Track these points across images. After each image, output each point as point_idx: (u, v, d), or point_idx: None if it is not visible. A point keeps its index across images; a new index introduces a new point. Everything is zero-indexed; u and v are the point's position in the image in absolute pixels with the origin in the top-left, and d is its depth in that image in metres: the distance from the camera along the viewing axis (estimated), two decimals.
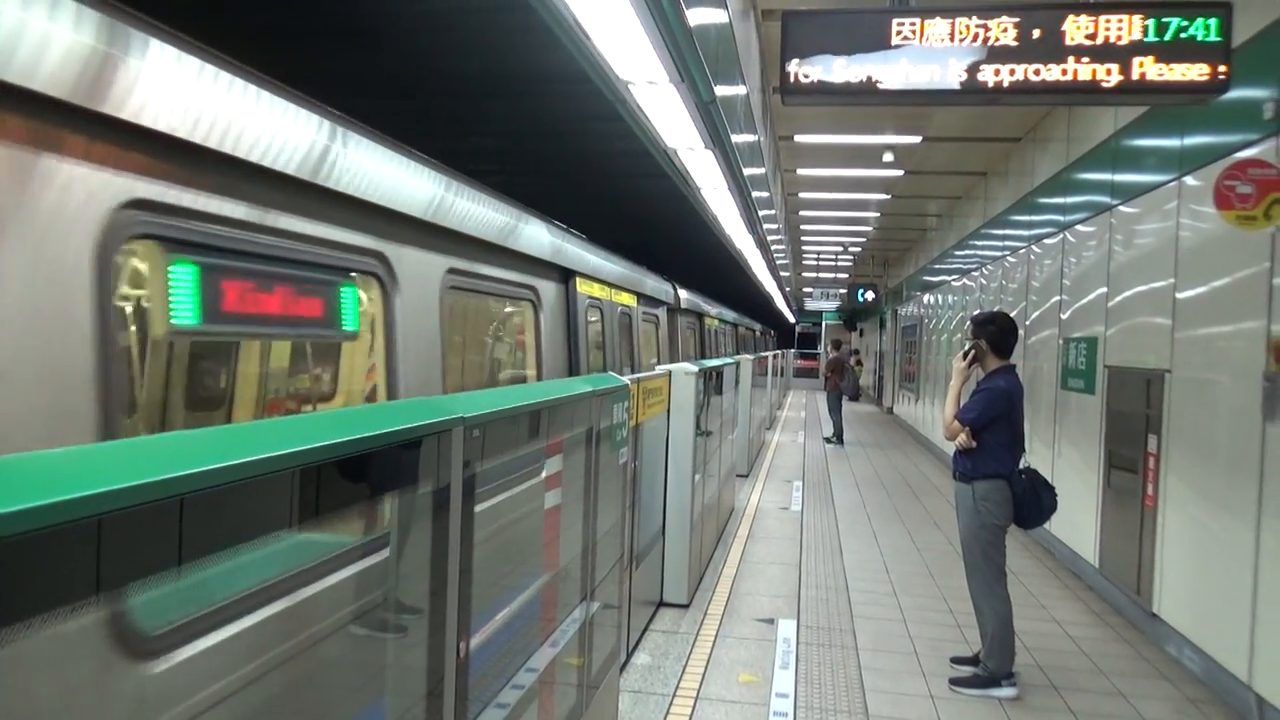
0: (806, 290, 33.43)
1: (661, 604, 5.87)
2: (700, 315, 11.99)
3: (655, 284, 8.48)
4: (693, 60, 4.13)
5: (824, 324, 38.72)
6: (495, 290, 4.25)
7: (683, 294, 10.05)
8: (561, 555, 3.17)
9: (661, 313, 8.80)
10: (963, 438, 4.74)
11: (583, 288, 5.52)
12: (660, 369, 5.90)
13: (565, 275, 5.22)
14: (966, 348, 4.93)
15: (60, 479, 0.94)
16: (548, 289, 4.92)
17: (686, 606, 5.89)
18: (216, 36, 2.59)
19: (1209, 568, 4.98)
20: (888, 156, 10.86)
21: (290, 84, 2.54)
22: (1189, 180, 5.39)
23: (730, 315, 17.30)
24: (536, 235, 4.65)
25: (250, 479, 1.21)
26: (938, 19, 3.84)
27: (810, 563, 7.21)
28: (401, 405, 1.96)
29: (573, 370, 5.28)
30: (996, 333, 4.87)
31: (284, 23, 4.55)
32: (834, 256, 23.85)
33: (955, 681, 4.75)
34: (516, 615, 2.66)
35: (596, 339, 6.06)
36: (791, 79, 3.89)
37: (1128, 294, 6.33)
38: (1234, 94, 3.85)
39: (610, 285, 6.30)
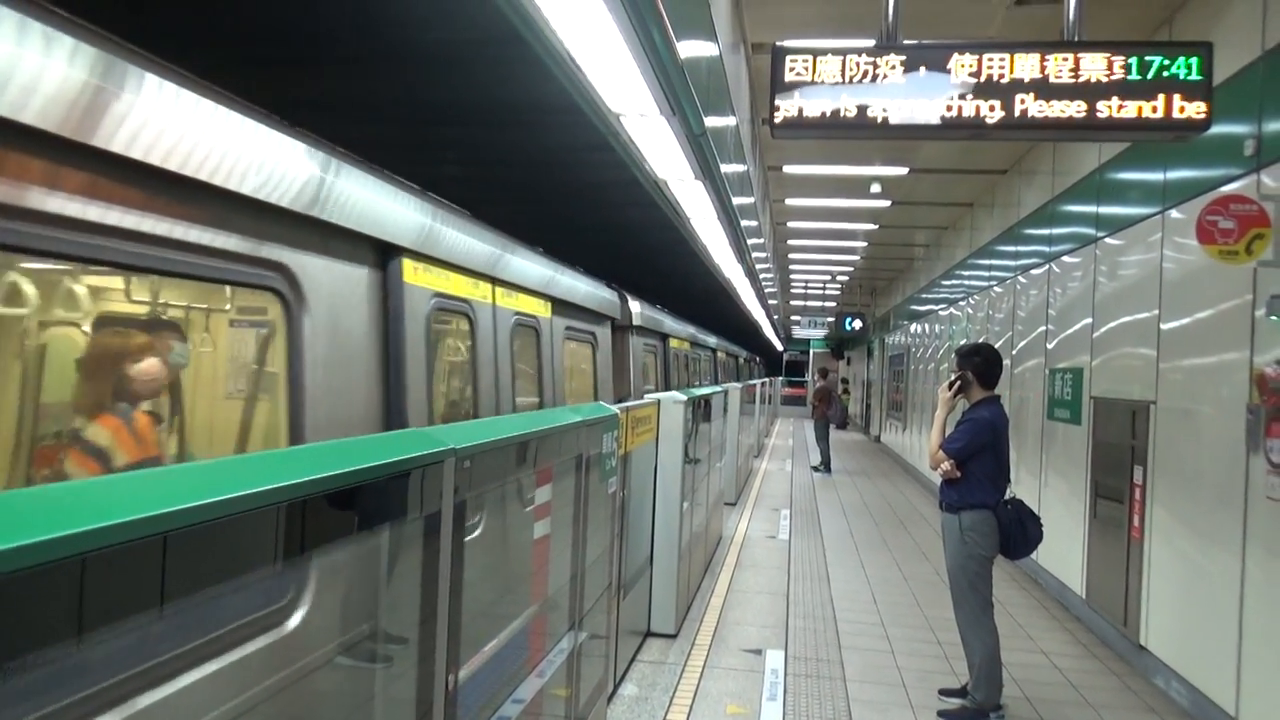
0: (794, 318, 33.55)
1: (649, 634, 5.84)
2: (663, 336, 9.57)
3: (589, 289, 5.98)
4: (684, 93, 4.18)
5: (811, 352, 38.81)
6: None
7: (635, 307, 7.58)
8: (550, 585, 3.16)
9: (601, 331, 6.44)
10: (946, 466, 4.77)
11: (419, 276, 3.25)
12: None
13: (382, 253, 3.00)
14: (952, 378, 4.97)
15: (32, 517, 0.93)
16: (316, 271, 2.58)
17: (674, 636, 5.86)
18: (211, 68, 2.61)
19: (1195, 600, 4.99)
20: (875, 187, 10.96)
21: (278, 110, 2.54)
22: (1172, 214, 5.46)
23: (709, 339, 14.95)
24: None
25: (235, 515, 1.21)
26: (926, 54, 3.90)
27: (798, 592, 7.19)
28: (390, 438, 1.96)
29: (391, 418, 2.99)
30: (982, 364, 4.91)
31: (278, 49, 4.59)
32: (822, 285, 23.96)
33: (944, 714, 4.74)
34: (505, 646, 2.64)
35: (454, 360, 4.08)
36: (781, 113, 3.93)
37: (1113, 325, 6.39)
38: (1215, 131, 3.91)
39: (494, 281, 4.09)
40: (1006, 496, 4.82)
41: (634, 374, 7.80)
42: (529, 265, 4.59)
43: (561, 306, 5.32)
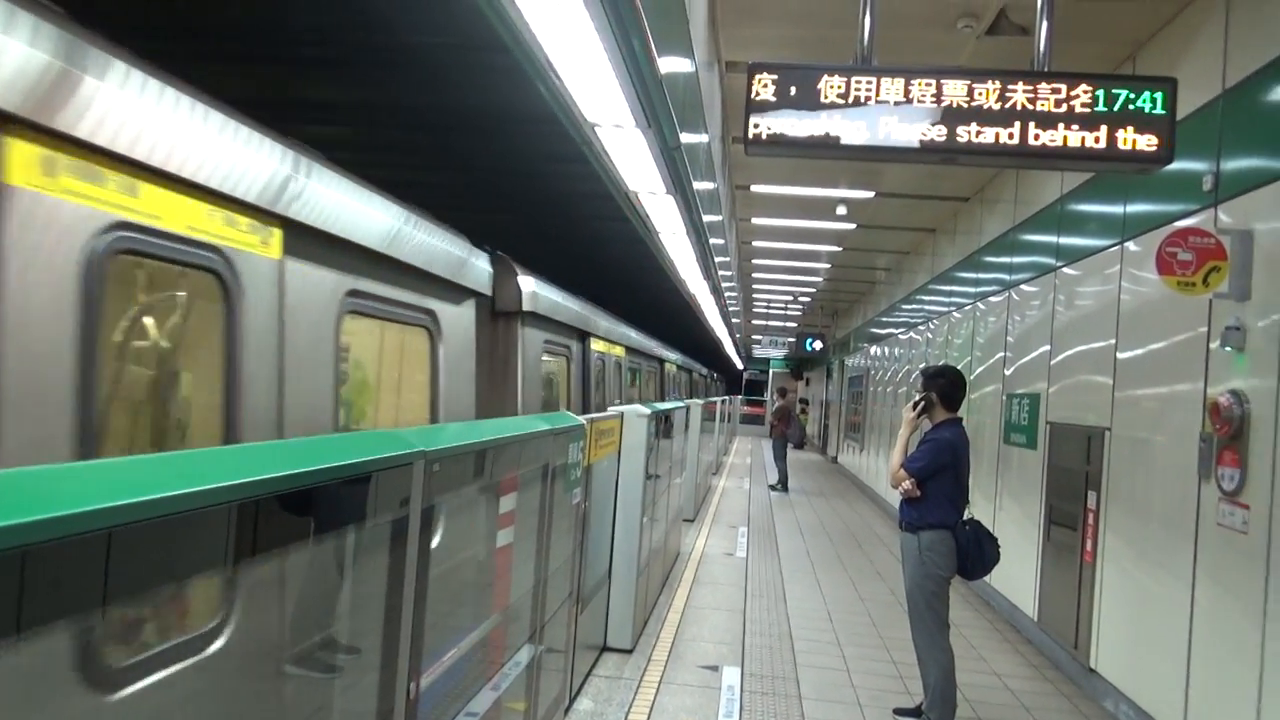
0: (755, 338, 33.76)
1: (605, 648, 5.79)
2: (581, 335, 7.16)
3: (413, 233, 3.65)
4: (660, 106, 4.19)
5: (771, 371, 39.07)
6: None
7: (529, 284, 5.35)
8: (511, 595, 3.12)
9: (453, 312, 4.19)
10: (907, 485, 4.81)
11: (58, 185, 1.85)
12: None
13: None
14: (916, 399, 5.02)
15: None
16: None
17: (630, 651, 5.82)
18: (192, 60, 2.56)
19: (1145, 624, 5.07)
20: (841, 209, 11.07)
21: (257, 110, 2.50)
22: (1131, 245, 5.58)
23: (658, 349, 12.70)
24: None
25: (193, 511, 1.16)
26: (898, 79, 3.94)
27: (755, 610, 7.19)
28: (360, 438, 1.92)
29: None
30: (946, 385, 4.98)
31: (253, 46, 4.52)
32: (784, 305, 24.15)
33: None
34: (464, 656, 2.60)
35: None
36: (754, 131, 3.95)
37: (1070, 353, 6.51)
38: (1175, 165, 4.00)
39: (236, 206, 2.45)
40: (965, 517, 4.87)
41: (523, 385, 5.29)
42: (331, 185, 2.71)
43: (324, 243, 2.90)
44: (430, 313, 3.90)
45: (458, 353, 4.22)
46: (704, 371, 26.39)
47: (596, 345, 7.69)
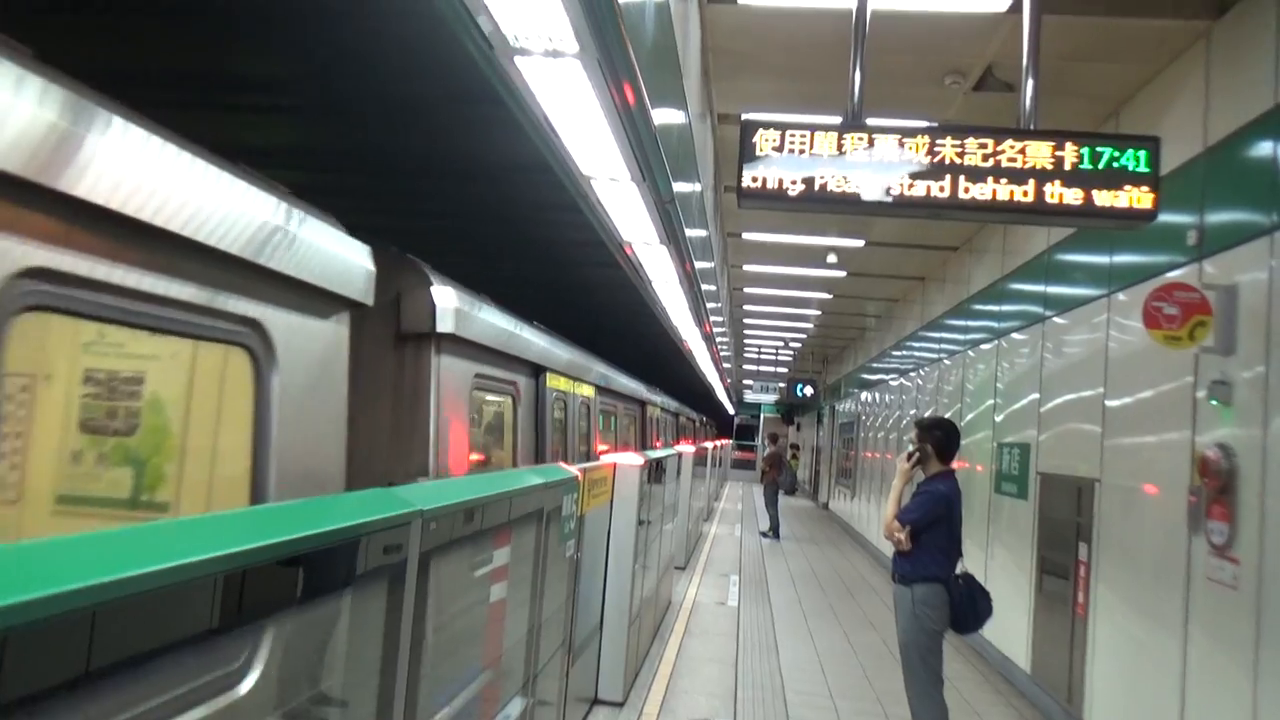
0: (747, 383, 33.80)
1: (596, 701, 5.72)
2: (534, 370, 5.73)
3: (250, 209, 2.39)
4: (655, 160, 4.25)
5: (762, 416, 39.06)
6: None
7: (447, 299, 3.96)
8: (503, 650, 3.09)
9: (321, 327, 2.89)
10: (901, 537, 4.80)
11: None
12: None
13: None
14: (911, 449, 5.03)
15: None
16: None
17: (621, 705, 5.74)
18: (179, 109, 2.60)
19: (1138, 678, 5.05)
20: (831, 258, 11.18)
21: (246, 156, 2.53)
22: (1119, 296, 5.65)
23: (635, 389, 11.07)
24: None
25: (189, 581, 1.16)
26: (889, 136, 4.02)
27: (747, 661, 7.12)
28: (358, 498, 1.92)
29: None
30: (942, 437, 5.00)
31: (247, 95, 4.59)
32: (775, 351, 24.24)
33: None
34: (457, 713, 2.57)
35: None
36: (748, 184, 4.01)
37: (1059, 402, 6.55)
38: (1160, 220, 4.07)
39: None
40: (958, 571, 4.86)
41: (438, 432, 3.88)
42: None
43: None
44: (252, 324, 2.44)
45: (308, 386, 2.74)
46: (693, 415, 25.43)
47: (556, 382, 6.20)
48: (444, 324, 3.90)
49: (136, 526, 1.32)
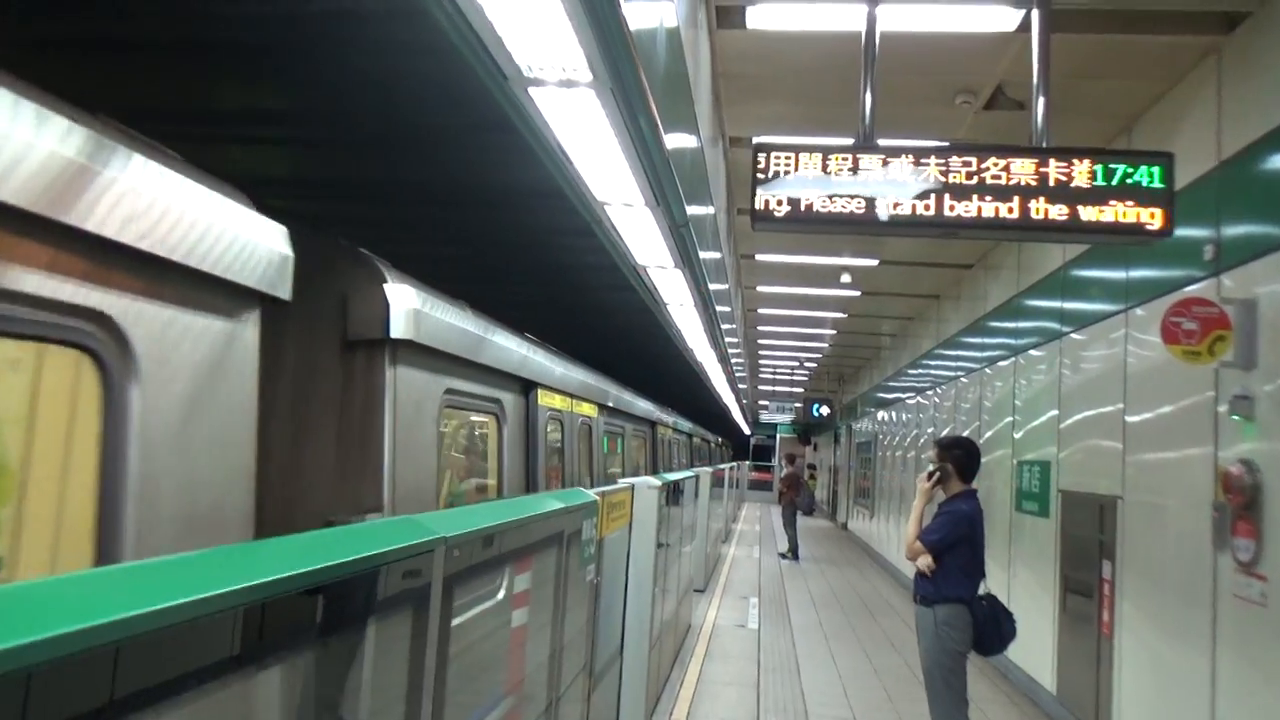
0: (762, 403, 33.74)
1: None
2: (524, 385, 5.13)
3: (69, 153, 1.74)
4: (669, 185, 4.29)
5: (778, 437, 38.95)
6: None
7: (406, 297, 3.27)
8: (525, 678, 3.09)
9: (208, 326, 2.26)
10: (924, 559, 4.76)
11: None
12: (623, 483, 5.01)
13: None
14: (931, 468, 5.01)
15: None
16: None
17: None
18: (195, 143, 2.64)
19: (1167, 698, 4.98)
20: (845, 277, 11.19)
21: (264, 186, 2.57)
22: (1136, 312, 5.62)
23: (644, 408, 10.25)
24: None
25: (206, 616, 1.17)
26: (902, 156, 4.04)
27: (768, 684, 7.07)
28: (382, 526, 1.93)
29: None
30: (963, 456, 4.97)
31: (266, 128, 4.66)
32: (790, 371, 24.20)
33: None
34: None
35: None
36: (762, 208, 4.03)
37: (1079, 419, 6.51)
38: (1176, 235, 4.07)
39: None
40: (981, 592, 4.82)
41: (396, 455, 3.23)
42: None
43: None
44: (99, 319, 1.89)
45: (187, 401, 2.19)
46: (707, 436, 24.49)
47: (550, 400, 5.49)
48: (400, 328, 3.20)
49: (160, 561, 1.34)
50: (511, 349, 4.70)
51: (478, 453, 4.75)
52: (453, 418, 4.17)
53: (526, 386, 5.10)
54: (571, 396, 6.18)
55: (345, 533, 1.84)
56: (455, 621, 2.10)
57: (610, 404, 7.80)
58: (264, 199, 2.51)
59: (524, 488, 5.06)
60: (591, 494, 3.77)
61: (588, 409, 6.84)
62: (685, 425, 16.22)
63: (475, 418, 4.59)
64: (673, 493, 7.03)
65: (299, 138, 4.75)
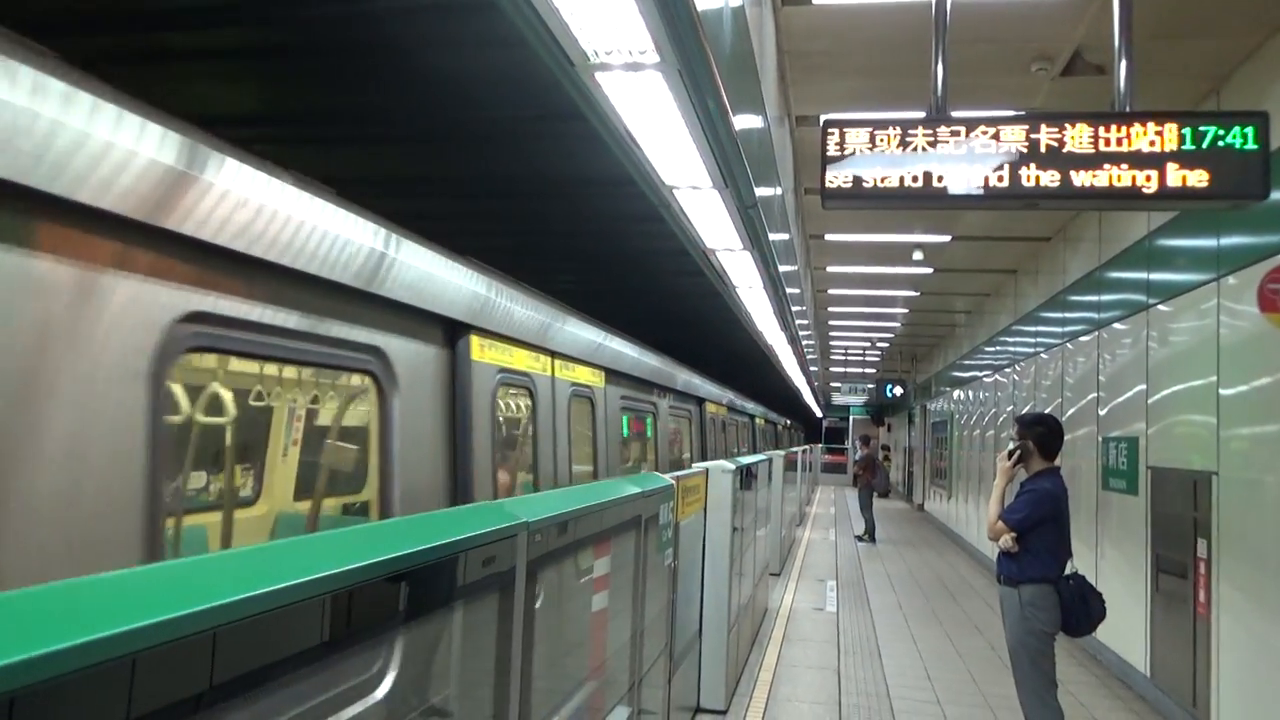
0: (834, 385, 33.37)
1: (699, 709, 5.71)
2: (451, 330, 3.28)
3: None
4: (737, 167, 4.25)
5: (851, 419, 38.47)
6: None
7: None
8: (607, 660, 3.12)
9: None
10: (1006, 539, 4.66)
11: None
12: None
13: None
14: (1012, 447, 4.88)
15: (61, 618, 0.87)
16: None
17: (724, 713, 5.72)
18: (270, 144, 2.71)
19: (1270, 679, 4.79)
20: (917, 255, 10.97)
21: (350, 186, 2.63)
22: (1228, 280, 5.39)
23: (685, 379, 8.55)
24: None
25: (308, 599, 1.20)
26: (977, 126, 3.93)
27: (849, 667, 7.01)
28: (464, 512, 1.97)
29: None
30: (1045, 434, 4.83)
31: (338, 129, 4.76)
32: (862, 351, 23.87)
33: None
34: None
35: None
36: (834, 185, 3.97)
37: (1168, 393, 6.28)
38: (1272, 198, 3.88)
39: None
40: (1068, 571, 4.69)
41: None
42: None
43: None
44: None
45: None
46: (774, 418, 22.75)
47: (497, 355, 3.66)
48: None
49: (267, 546, 1.38)
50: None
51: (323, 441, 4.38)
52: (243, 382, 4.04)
53: (452, 332, 3.40)
54: (547, 353, 4.45)
55: (432, 520, 1.88)
56: (540, 604, 2.12)
57: (623, 369, 6.05)
58: (349, 196, 2.57)
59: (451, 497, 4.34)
60: (668, 478, 3.78)
61: (585, 375, 5.17)
62: (745, 404, 14.76)
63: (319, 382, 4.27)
64: (746, 476, 7.00)
65: (371, 135, 4.84)
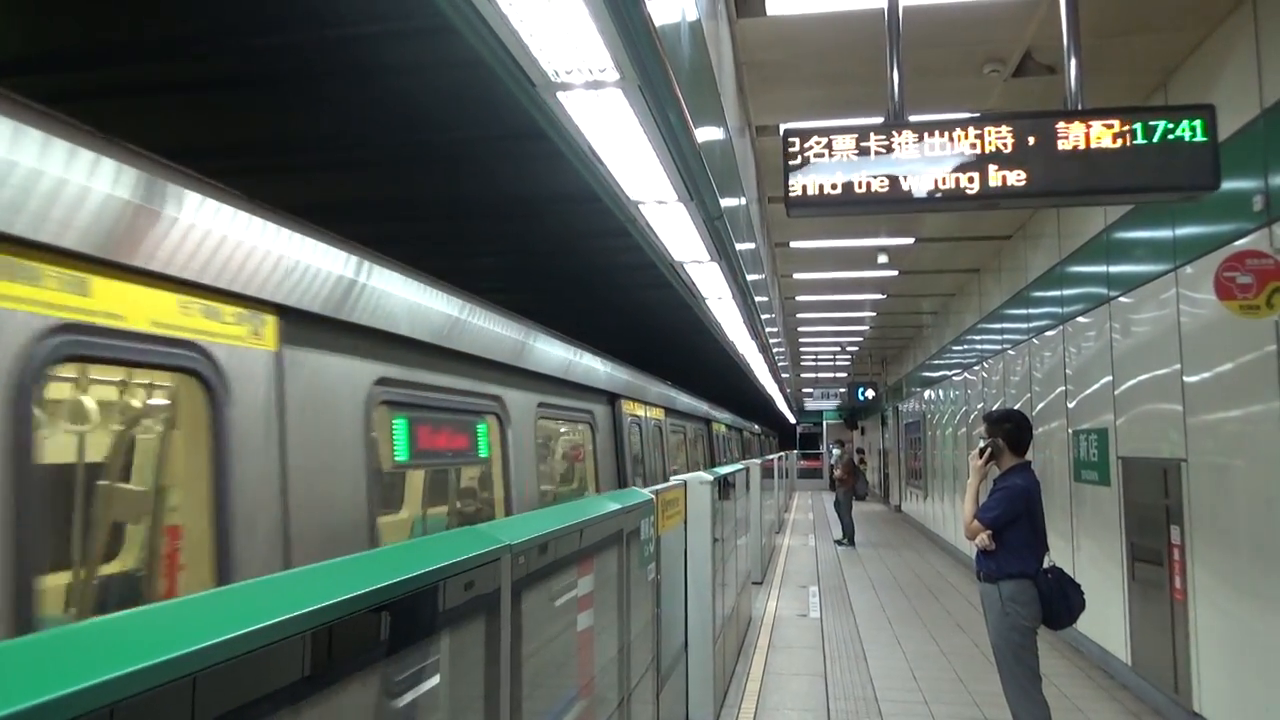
0: (806, 391, 33.54)
1: None
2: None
3: None
4: (701, 179, 4.27)
5: (825, 423, 38.67)
6: None
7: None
8: (594, 679, 3.10)
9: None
10: (983, 537, 4.70)
11: None
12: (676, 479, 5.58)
13: None
14: (982, 445, 4.94)
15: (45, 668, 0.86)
16: None
17: None
18: (242, 174, 2.69)
19: (1249, 661, 4.86)
20: (882, 258, 11.08)
21: (306, 213, 2.62)
22: (1186, 270, 5.50)
23: (638, 384, 6.92)
24: None
25: (287, 639, 1.19)
26: (935, 130, 3.98)
27: (835, 672, 7.03)
28: (446, 538, 1.95)
29: None
30: (1013, 430, 4.89)
31: (308, 156, 4.73)
32: (832, 356, 24.02)
33: None
34: None
35: None
36: (797, 193, 4.01)
37: (1134, 383, 6.38)
38: (1223, 188, 3.97)
39: None
40: (1045, 565, 4.74)
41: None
42: None
43: None
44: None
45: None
46: (745, 426, 21.63)
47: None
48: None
49: (245, 585, 1.36)
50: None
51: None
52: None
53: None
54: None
55: (414, 547, 1.86)
56: (526, 625, 2.11)
57: (558, 375, 5.00)
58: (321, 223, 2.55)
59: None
60: (647, 493, 3.78)
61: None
62: (708, 413, 13.15)
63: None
64: (724, 486, 7.01)
65: (333, 162, 4.82)
